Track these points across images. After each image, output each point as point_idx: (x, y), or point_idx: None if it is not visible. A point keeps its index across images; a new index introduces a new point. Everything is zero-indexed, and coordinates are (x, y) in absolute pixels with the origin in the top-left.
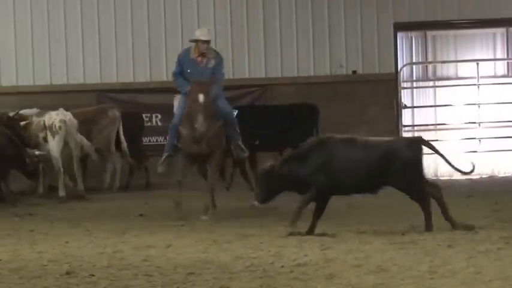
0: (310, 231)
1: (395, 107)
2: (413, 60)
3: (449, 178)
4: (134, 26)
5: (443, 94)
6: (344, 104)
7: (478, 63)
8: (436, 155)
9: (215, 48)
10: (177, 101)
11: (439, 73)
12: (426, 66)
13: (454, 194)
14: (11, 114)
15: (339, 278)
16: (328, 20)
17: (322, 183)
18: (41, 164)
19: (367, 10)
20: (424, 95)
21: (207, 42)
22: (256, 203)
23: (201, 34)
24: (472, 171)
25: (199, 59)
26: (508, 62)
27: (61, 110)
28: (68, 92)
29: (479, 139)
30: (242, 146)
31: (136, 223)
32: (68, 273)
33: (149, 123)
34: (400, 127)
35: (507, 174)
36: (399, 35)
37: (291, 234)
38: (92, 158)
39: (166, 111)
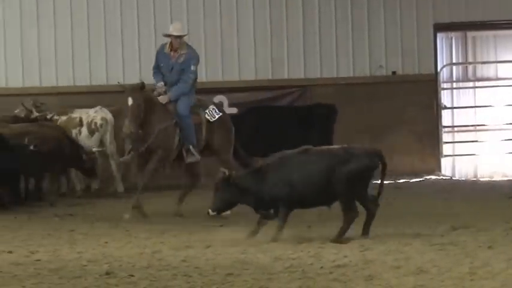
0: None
1: (435, 108)
2: (453, 61)
3: (489, 179)
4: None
5: (483, 95)
6: (384, 105)
7: None
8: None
9: (190, 44)
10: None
11: (479, 74)
12: (466, 66)
13: (495, 195)
14: (49, 115)
15: (378, 280)
16: (367, 20)
17: (287, 196)
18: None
19: (407, 11)
20: (463, 96)
21: (179, 37)
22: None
23: (173, 29)
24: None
25: (172, 53)
26: None
27: (98, 107)
28: (107, 93)
29: None
30: (193, 150)
31: (175, 224)
32: (107, 273)
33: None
34: (439, 128)
35: None
36: (439, 35)
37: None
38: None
39: None
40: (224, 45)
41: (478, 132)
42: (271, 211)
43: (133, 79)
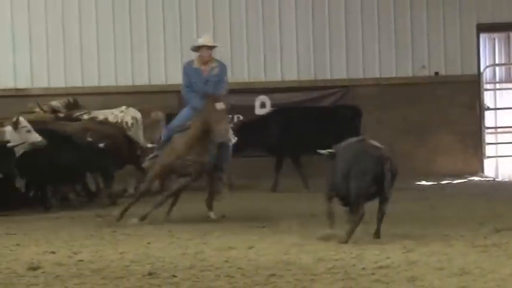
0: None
1: (477, 109)
2: (496, 62)
3: None
4: (216, 27)
5: None
6: (426, 106)
7: None
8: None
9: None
10: (258, 102)
11: None
12: (509, 67)
13: None
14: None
15: (421, 281)
16: (410, 21)
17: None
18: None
19: (450, 11)
20: (506, 97)
21: (211, 48)
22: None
23: (206, 41)
24: None
25: (202, 67)
26: None
27: (124, 107)
28: (149, 93)
29: None
30: (224, 179)
31: (218, 224)
32: (150, 274)
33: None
34: (482, 129)
35: None
36: (482, 36)
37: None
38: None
39: (247, 112)
40: (266, 45)
41: None
42: None
43: (175, 79)
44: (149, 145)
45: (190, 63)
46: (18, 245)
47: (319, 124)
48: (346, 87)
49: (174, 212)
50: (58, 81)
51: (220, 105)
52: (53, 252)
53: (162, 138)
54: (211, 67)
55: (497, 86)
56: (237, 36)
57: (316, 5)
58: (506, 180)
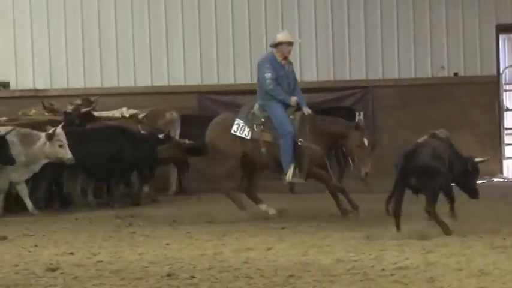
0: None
1: (497, 110)
2: None
3: None
4: (235, 27)
5: None
6: (445, 106)
7: None
8: None
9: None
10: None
11: None
12: None
13: None
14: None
15: (440, 282)
16: (429, 21)
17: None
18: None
19: (470, 12)
20: None
21: (291, 44)
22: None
23: (285, 37)
24: None
25: (283, 62)
26: None
27: (124, 108)
28: (168, 94)
29: None
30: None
31: (237, 225)
32: (169, 275)
33: None
34: (502, 130)
35: None
36: (501, 36)
37: None
38: None
39: None
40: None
41: None
42: None
43: (194, 80)
44: (187, 142)
45: (273, 56)
46: (36, 246)
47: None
48: (365, 88)
49: (192, 213)
50: (77, 82)
51: (366, 140)
52: (72, 253)
53: (289, 152)
54: (288, 62)
55: None
56: (255, 38)
57: (335, 6)
58: None
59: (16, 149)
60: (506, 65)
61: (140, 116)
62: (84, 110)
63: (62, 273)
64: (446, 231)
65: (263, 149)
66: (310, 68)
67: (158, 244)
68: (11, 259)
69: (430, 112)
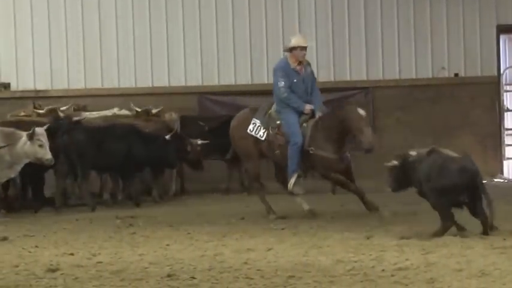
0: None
1: (497, 110)
2: None
3: None
4: (235, 29)
5: None
6: (446, 107)
7: None
8: None
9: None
10: None
11: None
12: None
13: None
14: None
15: (440, 283)
16: (430, 22)
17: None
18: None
19: (470, 12)
20: None
21: (305, 48)
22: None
23: (299, 41)
24: None
25: (298, 67)
26: None
27: (116, 109)
28: (169, 94)
29: None
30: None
31: (237, 226)
32: (169, 275)
33: None
34: (502, 130)
35: None
36: (502, 37)
37: None
38: None
39: None
40: None
41: None
42: None
43: (194, 81)
44: (199, 141)
45: (287, 62)
46: (37, 246)
47: None
48: (366, 88)
49: (192, 214)
50: (77, 83)
51: (363, 111)
52: (72, 254)
53: (296, 161)
54: (304, 66)
55: None
56: (256, 39)
57: (336, 7)
58: None
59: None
60: (507, 66)
61: (153, 111)
62: (76, 119)
63: (62, 274)
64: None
65: (277, 151)
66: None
67: (158, 245)
68: (11, 260)
69: (431, 113)
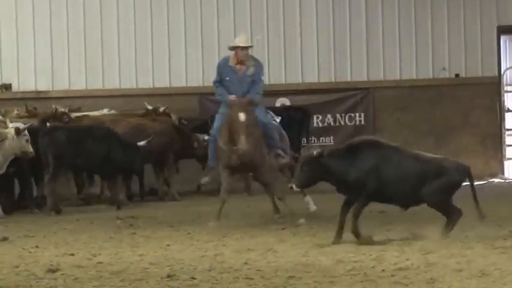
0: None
1: (498, 111)
2: None
3: None
4: (236, 30)
5: None
6: (447, 107)
7: None
8: None
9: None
10: (279, 104)
11: None
12: None
13: None
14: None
15: (440, 283)
16: (431, 23)
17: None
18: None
19: (471, 13)
20: None
21: (246, 48)
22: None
23: (240, 41)
24: None
25: (238, 66)
26: None
27: (106, 110)
28: (170, 95)
29: None
30: (281, 152)
31: (237, 226)
32: (169, 276)
33: None
34: (503, 131)
35: None
36: (502, 38)
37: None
38: None
39: None
40: (287, 47)
41: None
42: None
43: (195, 82)
44: (206, 137)
45: (226, 60)
46: (37, 247)
47: None
48: (366, 89)
49: (193, 214)
50: (78, 83)
51: (242, 116)
52: (72, 255)
53: (212, 154)
54: (247, 66)
55: None
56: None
57: (337, 7)
58: None
59: None
60: (508, 66)
61: (161, 110)
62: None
63: (62, 274)
64: None
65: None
66: (312, 69)
67: (159, 245)
68: (11, 260)
69: (431, 113)
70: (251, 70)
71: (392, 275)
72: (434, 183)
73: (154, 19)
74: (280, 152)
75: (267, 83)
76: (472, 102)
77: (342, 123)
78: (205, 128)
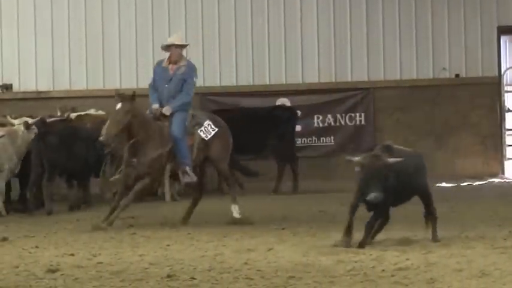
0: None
1: (498, 111)
2: None
3: None
4: (238, 30)
5: None
6: (447, 107)
7: None
8: None
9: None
10: (280, 103)
11: None
12: None
13: None
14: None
15: (440, 283)
16: (431, 23)
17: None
18: None
19: (471, 13)
20: None
21: (181, 47)
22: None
23: (175, 39)
24: None
25: (170, 66)
26: None
27: (93, 110)
28: None
29: None
30: (189, 171)
31: (237, 226)
32: (169, 276)
33: None
34: (503, 131)
35: None
36: (503, 38)
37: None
38: None
39: None
40: (287, 47)
41: None
42: None
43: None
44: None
45: (160, 62)
46: (37, 247)
47: (255, 125)
48: (366, 89)
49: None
50: (79, 84)
51: (118, 105)
52: (72, 255)
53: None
54: (179, 66)
55: None
56: (257, 38)
57: (337, 7)
58: None
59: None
60: (508, 67)
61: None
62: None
63: (62, 274)
64: None
65: None
66: (312, 69)
67: (159, 245)
68: (11, 260)
69: (432, 113)
70: (182, 70)
71: (393, 275)
72: None
73: (155, 19)
74: (188, 170)
75: (268, 83)
76: (472, 102)
77: (342, 123)
78: None
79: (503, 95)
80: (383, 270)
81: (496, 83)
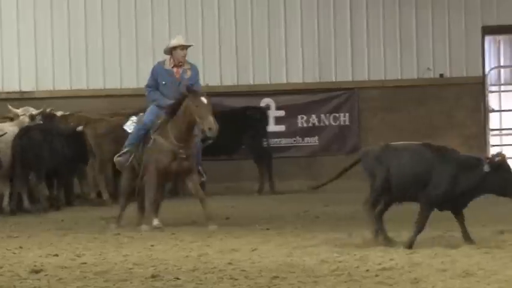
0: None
1: (482, 111)
2: (501, 64)
3: None
4: (221, 31)
5: None
6: (431, 108)
7: None
8: None
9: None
10: (263, 104)
11: None
12: None
13: None
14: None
15: (424, 282)
16: (415, 23)
17: None
18: None
19: (455, 14)
20: (511, 99)
21: (186, 48)
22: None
23: (179, 41)
24: None
25: (175, 69)
26: None
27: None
28: None
29: None
30: (201, 171)
31: (221, 227)
32: (153, 276)
33: None
34: (487, 131)
35: None
36: (487, 38)
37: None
38: None
39: None
40: (271, 48)
41: None
42: None
43: None
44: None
45: (161, 63)
46: (21, 247)
47: (227, 126)
48: (351, 89)
49: (177, 214)
50: (63, 84)
51: (205, 99)
52: (56, 255)
53: (134, 139)
54: (184, 69)
55: (502, 88)
56: (242, 39)
57: (321, 7)
58: None
59: None
60: (492, 67)
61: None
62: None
63: (46, 275)
64: None
65: None
66: (296, 69)
67: (143, 245)
68: None
69: (416, 113)
70: (188, 73)
71: (377, 275)
72: None
73: (139, 19)
74: (200, 169)
75: (252, 83)
76: (457, 102)
77: (327, 123)
78: None
79: (487, 95)
80: (367, 270)
81: (480, 83)
